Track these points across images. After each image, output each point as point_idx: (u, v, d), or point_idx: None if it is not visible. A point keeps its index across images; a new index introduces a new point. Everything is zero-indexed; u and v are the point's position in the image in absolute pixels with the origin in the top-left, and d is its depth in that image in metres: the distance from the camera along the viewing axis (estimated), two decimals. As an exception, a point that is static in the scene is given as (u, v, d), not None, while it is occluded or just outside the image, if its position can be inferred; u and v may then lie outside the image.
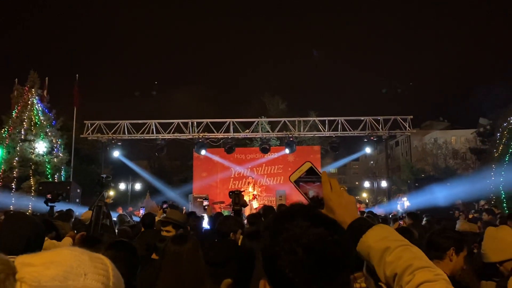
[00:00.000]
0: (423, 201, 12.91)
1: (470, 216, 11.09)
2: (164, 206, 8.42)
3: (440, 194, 12.79)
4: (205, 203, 13.51)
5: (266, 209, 6.26)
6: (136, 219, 10.35)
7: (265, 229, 0.94)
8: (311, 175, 1.30)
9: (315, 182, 1.28)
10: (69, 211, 7.96)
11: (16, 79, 18.39)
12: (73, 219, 7.57)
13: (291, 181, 1.31)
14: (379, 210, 16.62)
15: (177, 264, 2.27)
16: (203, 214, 9.17)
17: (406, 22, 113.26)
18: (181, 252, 2.30)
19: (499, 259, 2.29)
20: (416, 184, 14.50)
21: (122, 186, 31.73)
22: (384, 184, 37.06)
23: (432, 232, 2.65)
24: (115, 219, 8.09)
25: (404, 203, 20.09)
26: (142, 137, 18.70)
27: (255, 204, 16.48)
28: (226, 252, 3.13)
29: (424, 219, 8.00)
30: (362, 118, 18.36)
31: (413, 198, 14.29)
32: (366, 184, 47.62)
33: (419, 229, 5.47)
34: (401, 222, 7.32)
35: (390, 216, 9.13)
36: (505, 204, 15.83)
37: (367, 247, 1.09)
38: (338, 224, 0.93)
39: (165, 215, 5.47)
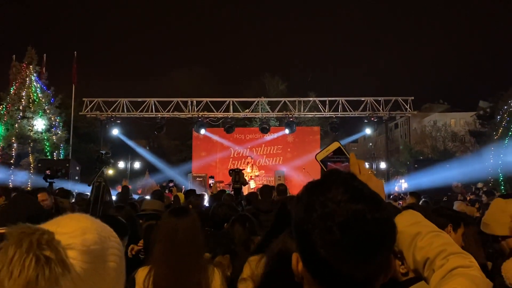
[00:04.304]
0: (421, 182, 12.97)
1: (468, 198, 11.15)
2: (171, 185, 8.31)
3: (438, 176, 12.84)
4: (211, 181, 13.53)
5: (263, 188, 6.10)
6: (135, 196, 10.34)
7: (297, 202, 0.85)
8: (339, 155, 1.24)
9: (343, 162, 1.23)
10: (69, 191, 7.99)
11: (14, 55, 18.19)
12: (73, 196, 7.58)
13: (317, 160, 1.23)
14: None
15: (172, 237, 2.19)
16: (203, 192, 9.15)
17: (408, 3, 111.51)
18: (178, 225, 2.22)
19: (504, 233, 2.24)
20: (416, 166, 14.53)
21: (121, 164, 31.82)
22: (383, 165, 37.28)
23: (428, 212, 2.62)
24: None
25: (402, 185, 20.25)
26: (141, 115, 18.58)
27: (252, 185, 16.51)
28: (223, 244, 3.12)
29: (422, 199, 8.03)
30: (362, 99, 18.20)
31: (412, 180, 14.35)
32: (365, 165, 47.80)
33: (417, 209, 5.49)
34: (401, 202, 7.35)
35: (391, 197, 9.15)
36: (502, 187, 15.92)
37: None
38: (380, 198, 0.83)
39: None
